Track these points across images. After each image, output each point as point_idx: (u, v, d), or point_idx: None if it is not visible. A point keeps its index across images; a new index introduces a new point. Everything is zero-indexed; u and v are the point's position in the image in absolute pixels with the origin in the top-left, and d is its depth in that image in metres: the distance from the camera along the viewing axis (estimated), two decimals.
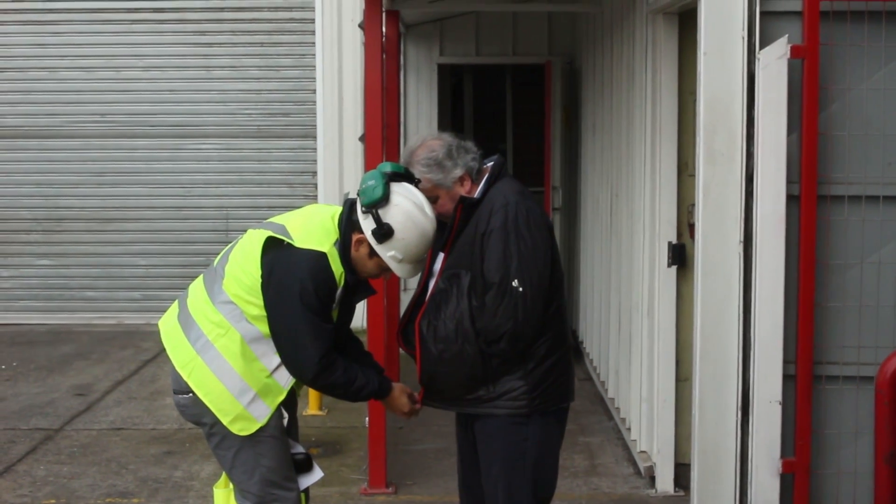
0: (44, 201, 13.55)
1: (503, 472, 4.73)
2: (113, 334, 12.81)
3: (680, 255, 6.96)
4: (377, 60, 7.43)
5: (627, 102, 8.01)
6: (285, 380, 4.64)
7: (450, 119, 15.05)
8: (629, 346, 8.00)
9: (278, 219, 4.72)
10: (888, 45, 5.43)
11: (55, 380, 10.54)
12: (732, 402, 5.59)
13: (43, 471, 7.85)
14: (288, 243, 4.54)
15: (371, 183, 4.51)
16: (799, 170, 5.36)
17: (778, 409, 5.44)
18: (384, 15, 8.06)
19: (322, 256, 4.51)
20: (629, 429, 8.02)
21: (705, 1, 5.54)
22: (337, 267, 4.54)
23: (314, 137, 13.25)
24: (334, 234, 4.60)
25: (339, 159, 12.99)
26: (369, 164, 7.18)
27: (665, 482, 7.20)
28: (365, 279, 4.76)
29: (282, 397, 4.66)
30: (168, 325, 4.80)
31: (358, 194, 4.59)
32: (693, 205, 6.22)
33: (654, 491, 7.25)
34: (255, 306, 4.55)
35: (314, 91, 13.21)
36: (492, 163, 4.84)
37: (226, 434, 4.66)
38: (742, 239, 5.49)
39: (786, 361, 5.43)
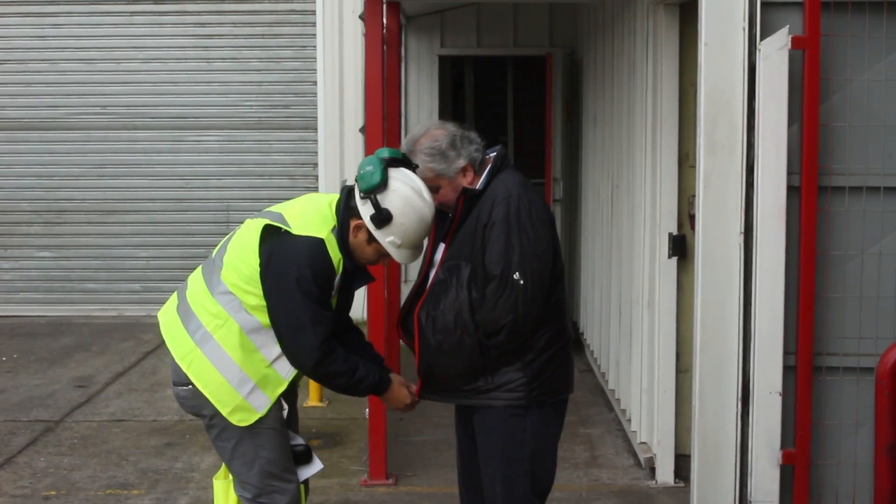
0: (44, 193, 13.55)
1: (501, 463, 4.73)
2: (113, 326, 12.82)
3: (680, 247, 6.96)
4: (378, 52, 7.42)
5: (628, 94, 8.00)
6: (286, 371, 4.63)
7: (451, 111, 15.04)
8: (629, 337, 8.00)
9: (276, 208, 4.73)
10: (889, 36, 5.42)
11: (56, 372, 10.55)
12: (733, 394, 5.59)
13: (43, 462, 7.85)
14: (286, 231, 4.54)
15: (369, 168, 4.51)
16: (800, 161, 5.36)
17: (778, 401, 5.45)
18: (385, 6, 8.05)
19: (320, 243, 4.51)
20: (629, 420, 8.03)
21: None
22: (335, 253, 4.54)
23: (315, 129, 13.24)
24: (332, 221, 4.60)
25: (340, 151, 12.98)
26: None
27: (665, 473, 7.20)
28: (363, 266, 4.76)
29: (282, 388, 4.65)
30: (167, 317, 4.80)
31: (356, 180, 4.58)
32: (694, 196, 6.22)
33: (654, 482, 7.25)
34: (253, 296, 4.55)
35: (315, 83, 13.19)
36: (494, 154, 4.83)
37: (225, 426, 4.66)
38: (742, 230, 5.49)
39: (786, 352, 5.44)
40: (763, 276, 5.40)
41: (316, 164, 13.15)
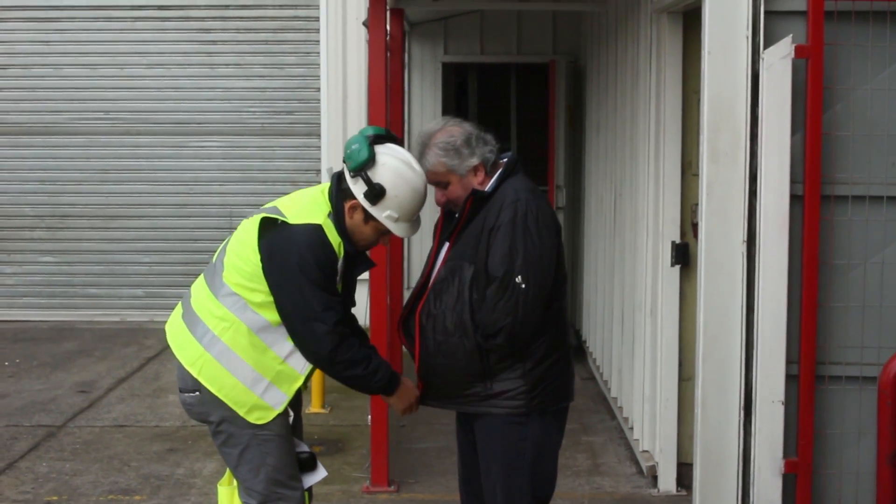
0: (47, 198, 13.57)
1: (502, 471, 4.73)
2: (116, 331, 12.82)
3: (683, 255, 6.96)
4: (381, 59, 7.43)
5: (631, 101, 8.00)
6: (301, 365, 4.62)
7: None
8: (632, 345, 8.00)
9: (269, 205, 4.74)
10: (892, 46, 5.42)
11: (58, 377, 10.55)
12: (735, 402, 5.58)
13: (45, 467, 7.85)
14: (282, 222, 4.54)
15: (355, 147, 4.54)
16: (803, 170, 5.36)
17: (780, 409, 5.44)
18: (388, 13, 8.06)
19: (318, 228, 4.52)
20: (632, 428, 8.02)
21: (710, 0, 5.53)
22: (334, 238, 4.55)
23: (318, 135, 13.25)
24: (326, 207, 4.62)
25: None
26: None
27: (667, 482, 7.20)
28: (364, 251, 4.77)
29: (299, 383, 4.64)
30: (174, 327, 4.79)
31: (344, 161, 4.61)
32: (696, 204, 6.22)
33: (656, 490, 7.25)
34: (258, 293, 4.55)
35: (318, 89, 13.21)
36: (506, 159, 4.84)
37: (232, 432, 4.66)
38: (745, 238, 5.48)
39: (789, 361, 5.43)
40: (766, 285, 5.39)
41: (319, 171, 13.15)
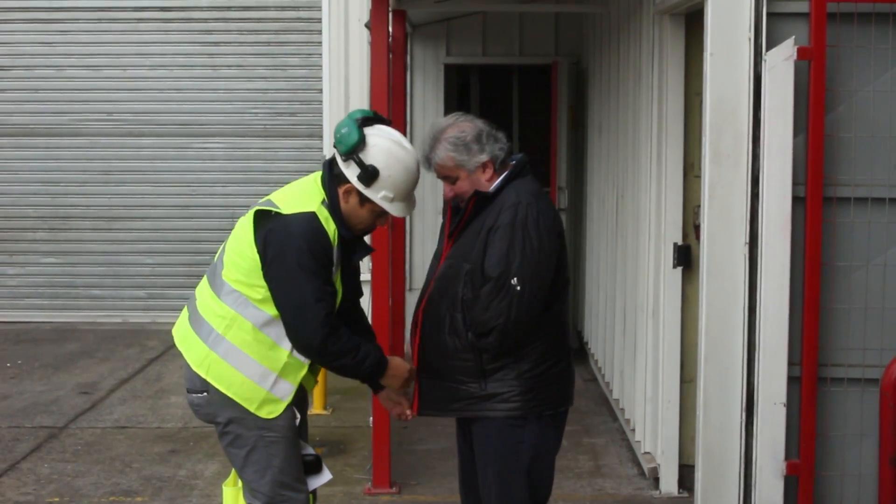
0: (50, 199, 13.57)
1: (498, 474, 4.73)
2: (118, 333, 12.82)
3: (685, 257, 6.96)
4: (384, 60, 7.43)
5: (634, 103, 8.00)
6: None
7: None
8: (634, 347, 8.00)
9: (264, 199, 4.75)
10: (895, 47, 5.42)
11: (60, 378, 10.55)
12: (737, 404, 5.59)
13: (47, 469, 7.86)
14: (276, 213, 4.55)
15: (345, 130, 4.55)
16: (805, 171, 5.36)
17: (782, 411, 5.44)
18: (391, 15, 8.07)
19: (312, 216, 4.52)
20: (633, 430, 8.02)
21: (712, 2, 5.54)
22: (329, 225, 4.56)
23: (320, 137, 13.25)
24: (319, 195, 4.62)
25: None
26: None
27: (669, 483, 7.19)
28: (361, 237, 4.77)
29: (304, 372, 4.64)
30: (180, 331, 4.79)
31: (335, 146, 4.61)
32: (699, 206, 6.21)
33: (658, 492, 7.25)
34: (258, 289, 4.55)
35: (320, 91, 13.21)
36: (515, 161, 4.84)
37: (239, 433, 4.66)
38: (747, 240, 5.48)
39: (790, 363, 5.43)
40: (768, 287, 5.39)
41: None
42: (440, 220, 11.68)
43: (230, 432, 4.68)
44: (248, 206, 4.71)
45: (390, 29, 8.05)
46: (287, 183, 4.83)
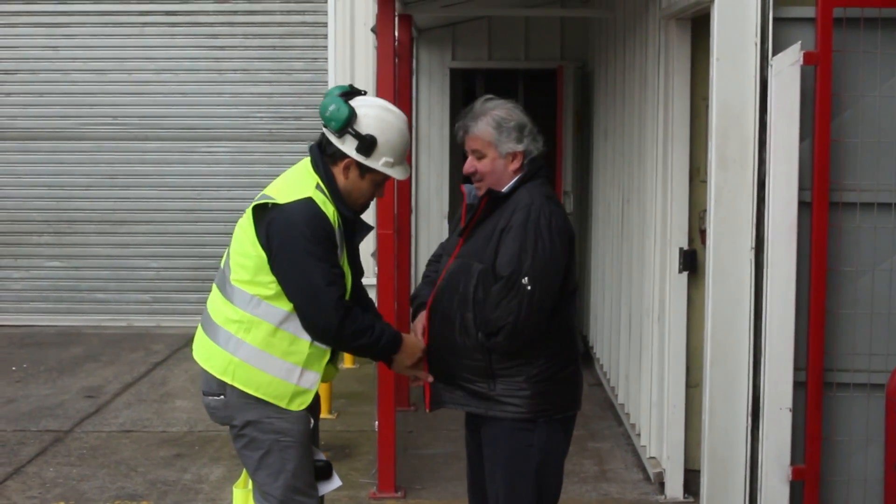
0: (55, 203, 13.59)
1: (506, 477, 4.72)
2: (123, 336, 12.82)
3: (691, 261, 6.95)
4: (389, 64, 7.44)
5: (639, 108, 8.00)
6: None
7: None
8: (639, 351, 7.99)
9: (258, 196, 4.76)
10: None
11: (65, 382, 10.56)
12: (742, 409, 5.58)
13: (52, 472, 7.86)
14: (273, 204, 4.56)
15: (333, 107, 4.59)
16: (811, 176, 5.36)
17: (788, 416, 5.44)
18: (397, 19, 8.06)
19: (309, 201, 4.53)
20: (639, 434, 8.01)
21: (718, 7, 5.54)
22: (327, 207, 4.57)
23: None
24: (312, 180, 4.64)
25: None
26: None
27: (674, 488, 7.18)
28: (360, 217, 4.79)
29: (326, 358, 4.66)
30: (198, 343, 4.77)
31: (325, 125, 4.65)
32: (704, 211, 6.21)
33: (663, 497, 7.24)
34: (269, 285, 4.54)
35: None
36: (528, 162, 4.82)
37: (255, 436, 4.66)
38: (754, 245, 5.48)
39: (796, 368, 5.43)
40: (774, 292, 5.39)
41: None
42: (446, 225, 11.72)
43: (246, 435, 4.68)
44: None
45: (396, 33, 8.04)
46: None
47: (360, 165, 4.62)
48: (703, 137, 6.62)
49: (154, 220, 13.54)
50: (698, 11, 6.43)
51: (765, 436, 5.46)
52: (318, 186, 4.61)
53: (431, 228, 11.92)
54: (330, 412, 9.24)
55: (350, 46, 12.98)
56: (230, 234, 4.76)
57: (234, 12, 13.38)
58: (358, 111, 4.59)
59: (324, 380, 4.73)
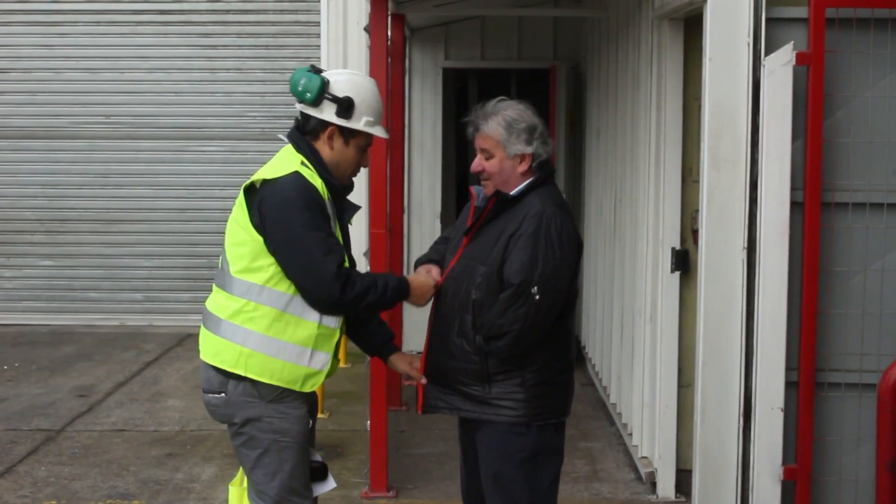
0: (47, 202, 13.57)
1: (501, 481, 4.71)
2: (115, 336, 12.81)
3: (683, 261, 6.96)
4: (382, 64, 7.44)
5: (632, 108, 8.00)
6: (334, 320, 4.65)
7: (454, 124, 15.05)
8: (631, 351, 8.00)
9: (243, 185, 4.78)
10: (893, 53, 5.43)
11: (57, 381, 10.55)
12: (734, 409, 5.59)
13: (44, 472, 7.85)
14: (262, 181, 4.59)
15: (304, 80, 4.70)
16: (803, 177, 5.37)
17: (780, 416, 5.45)
18: (389, 19, 8.07)
19: (296, 174, 4.57)
20: (631, 434, 8.02)
21: (711, 7, 5.54)
22: (315, 180, 4.60)
23: None
24: (297, 158, 4.69)
25: None
26: (373, 169, 7.19)
27: (666, 488, 7.19)
28: (347, 194, 4.82)
29: (336, 337, 4.67)
30: (205, 343, 4.75)
31: (300, 101, 4.75)
32: (697, 211, 6.22)
33: (655, 497, 7.24)
34: (267, 268, 4.54)
35: None
36: (537, 166, 4.80)
37: (254, 435, 4.65)
38: (746, 245, 5.49)
39: (788, 368, 5.44)
40: (766, 292, 5.40)
41: None
42: (438, 225, 11.72)
43: (245, 433, 4.68)
44: None
45: (389, 33, 8.05)
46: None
47: (342, 131, 4.71)
48: (695, 137, 6.62)
49: (147, 220, 13.52)
50: (691, 11, 6.44)
51: (757, 435, 5.47)
52: (302, 163, 4.65)
53: (424, 228, 11.91)
54: (322, 411, 9.23)
55: (343, 46, 12.98)
56: (223, 232, 4.75)
57: (227, 11, 13.37)
58: (329, 78, 4.70)
59: (327, 375, 4.73)
